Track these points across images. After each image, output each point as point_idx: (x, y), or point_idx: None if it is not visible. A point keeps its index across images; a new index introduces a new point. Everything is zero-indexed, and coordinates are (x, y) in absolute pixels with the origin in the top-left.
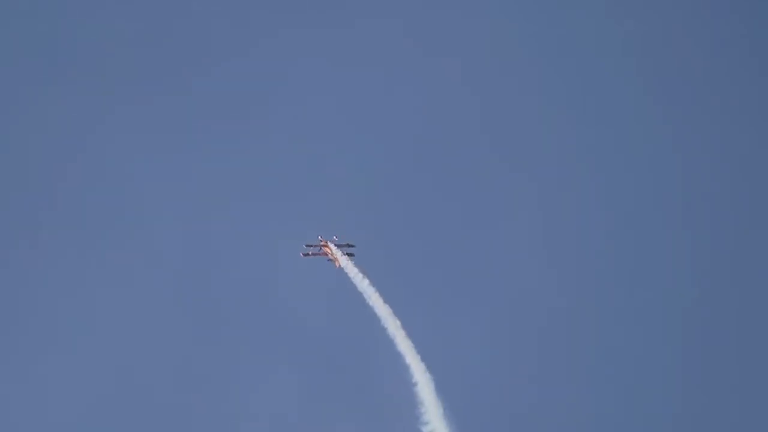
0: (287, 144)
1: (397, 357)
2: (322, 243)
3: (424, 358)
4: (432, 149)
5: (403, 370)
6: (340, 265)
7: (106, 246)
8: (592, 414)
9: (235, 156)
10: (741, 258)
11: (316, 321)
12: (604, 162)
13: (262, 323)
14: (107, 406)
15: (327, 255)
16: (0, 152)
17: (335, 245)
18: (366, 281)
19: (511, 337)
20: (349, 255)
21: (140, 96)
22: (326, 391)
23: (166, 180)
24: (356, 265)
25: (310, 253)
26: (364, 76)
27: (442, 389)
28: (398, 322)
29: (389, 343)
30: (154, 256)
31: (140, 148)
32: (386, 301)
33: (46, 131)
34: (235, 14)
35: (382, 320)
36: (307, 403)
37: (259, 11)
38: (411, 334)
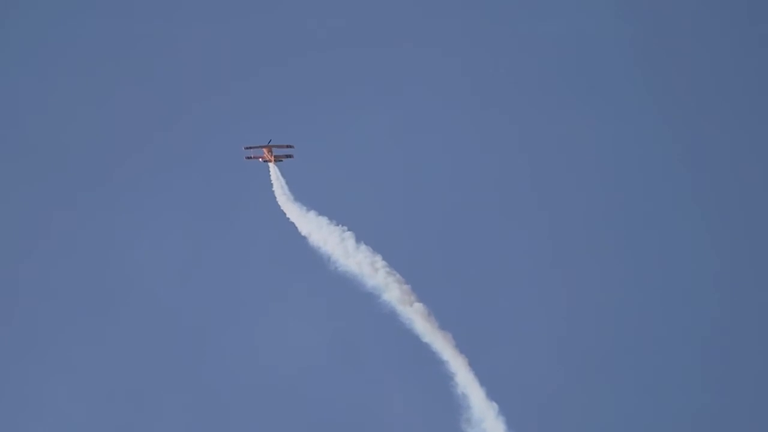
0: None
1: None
2: (264, 148)
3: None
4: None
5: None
6: (272, 161)
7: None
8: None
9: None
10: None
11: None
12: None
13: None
14: None
15: (265, 157)
16: None
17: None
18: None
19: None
20: (287, 156)
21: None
22: None
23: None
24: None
25: (252, 156)
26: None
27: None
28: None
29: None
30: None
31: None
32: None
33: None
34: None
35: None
36: None
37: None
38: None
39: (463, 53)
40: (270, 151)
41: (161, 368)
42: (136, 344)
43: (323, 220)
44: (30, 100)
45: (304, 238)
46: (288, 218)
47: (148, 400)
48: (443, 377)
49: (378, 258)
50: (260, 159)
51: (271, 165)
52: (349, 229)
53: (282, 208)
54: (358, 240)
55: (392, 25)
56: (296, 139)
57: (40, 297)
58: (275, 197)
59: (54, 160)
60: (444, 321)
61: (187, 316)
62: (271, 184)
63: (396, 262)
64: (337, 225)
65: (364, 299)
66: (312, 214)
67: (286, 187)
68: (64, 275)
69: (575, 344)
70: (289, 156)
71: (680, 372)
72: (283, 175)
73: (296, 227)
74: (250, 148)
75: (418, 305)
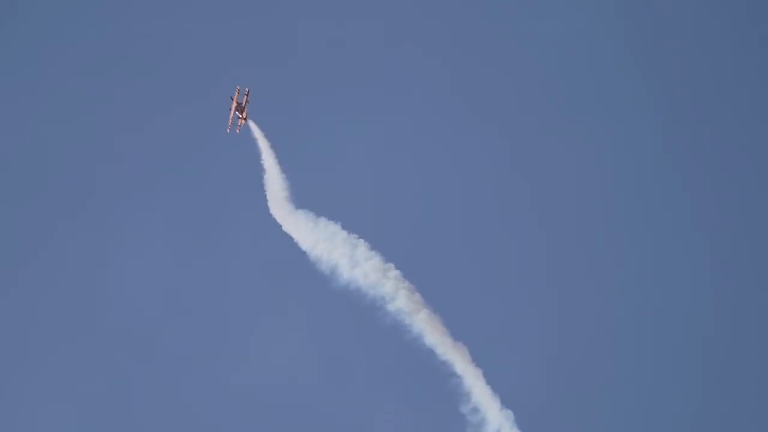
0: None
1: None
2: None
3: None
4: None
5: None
6: (240, 122)
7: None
8: None
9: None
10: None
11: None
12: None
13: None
14: None
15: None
16: None
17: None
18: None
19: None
20: (247, 96)
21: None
22: None
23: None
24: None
25: (239, 127)
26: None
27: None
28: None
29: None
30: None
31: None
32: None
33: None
34: None
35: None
36: None
37: None
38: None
39: (464, 54)
40: (237, 108)
41: (148, 381)
42: (122, 358)
43: (335, 227)
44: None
45: (304, 251)
46: (285, 230)
47: (133, 414)
48: (449, 393)
49: (390, 266)
50: (242, 122)
51: (254, 126)
52: (360, 237)
53: (276, 217)
54: (369, 248)
55: (392, 27)
56: (297, 143)
57: (27, 309)
58: (268, 208)
59: (43, 169)
60: (452, 329)
61: (176, 330)
62: (266, 197)
63: (405, 269)
64: (349, 232)
65: (365, 313)
66: (323, 220)
67: (285, 192)
68: (55, 286)
69: (573, 349)
70: (246, 94)
71: (681, 377)
72: (284, 172)
73: (294, 239)
74: (229, 127)
75: (428, 314)
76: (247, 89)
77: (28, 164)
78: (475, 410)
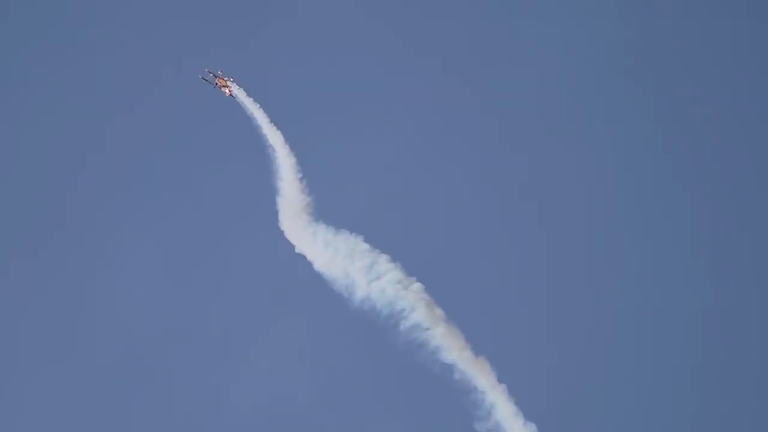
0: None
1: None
2: (219, 80)
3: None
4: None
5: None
6: (230, 94)
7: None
8: None
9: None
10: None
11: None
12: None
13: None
14: None
15: (220, 86)
16: None
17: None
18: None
19: None
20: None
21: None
22: None
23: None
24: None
25: (208, 80)
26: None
27: None
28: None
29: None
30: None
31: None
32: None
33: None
34: None
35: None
36: None
37: None
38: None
39: (466, 55)
40: (220, 86)
41: (146, 393)
42: (113, 379)
43: (357, 240)
44: None
45: (318, 272)
46: (298, 251)
47: (132, 426)
48: (468, 409)
49: (413, 280)
50: (229, 92)
51: (240, 93)
52: (383, 252)
53: (287, 234)
54: (391, 261)
55: (392, 27)
56: (302, 145)
57: (21, 322)
58: (280, 224)
59: (40, 169)
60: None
61: (177, 340)
62: (278, 212)
63: (422, 277)
64: (372, 246)
65: (380, 331)
66: (345, 233)
67: (299, 201)
68: (51, 290)
69: (574, 349)
70: (210, 73)
71: (681, 377)
72: (305, 187)
73: (306, 256)
74: (227, 95)
75: (448, 328)
76: (207, 69)
77: (26, 164)
78: (497, 427)
